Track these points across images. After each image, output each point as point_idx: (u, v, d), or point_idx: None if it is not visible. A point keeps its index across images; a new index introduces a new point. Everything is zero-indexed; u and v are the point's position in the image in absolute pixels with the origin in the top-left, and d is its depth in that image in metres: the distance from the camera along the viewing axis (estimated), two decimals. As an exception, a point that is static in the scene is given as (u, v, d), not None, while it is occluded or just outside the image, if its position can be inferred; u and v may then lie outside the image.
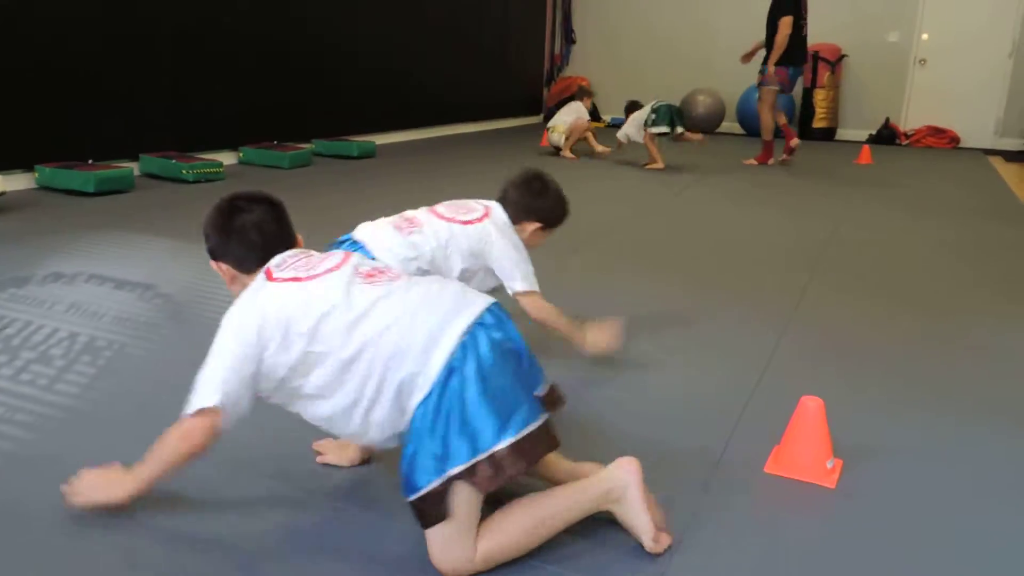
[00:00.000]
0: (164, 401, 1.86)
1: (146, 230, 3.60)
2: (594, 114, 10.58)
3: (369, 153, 6.46)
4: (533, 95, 10.67)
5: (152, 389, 1.94)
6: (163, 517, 1.40)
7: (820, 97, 9.11)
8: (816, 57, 8.97)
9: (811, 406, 1.66)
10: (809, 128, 9.15)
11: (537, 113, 10.80)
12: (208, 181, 4.95)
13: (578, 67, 10.87)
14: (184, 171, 4.86)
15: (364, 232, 1.95)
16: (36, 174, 4.49)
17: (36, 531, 1.36)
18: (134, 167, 4.91)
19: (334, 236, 2.02)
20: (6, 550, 1.31)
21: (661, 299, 2.87)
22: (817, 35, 9.19)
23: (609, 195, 5.09)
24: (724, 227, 4.21)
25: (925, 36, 9.03)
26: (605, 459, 1.41)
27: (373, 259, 1.70)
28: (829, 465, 1.63)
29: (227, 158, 5.73)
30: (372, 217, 2.07)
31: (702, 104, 9.44)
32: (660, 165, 6.38)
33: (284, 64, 6.25)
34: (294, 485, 1.53)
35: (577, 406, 1.81)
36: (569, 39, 10.85)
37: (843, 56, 9.16)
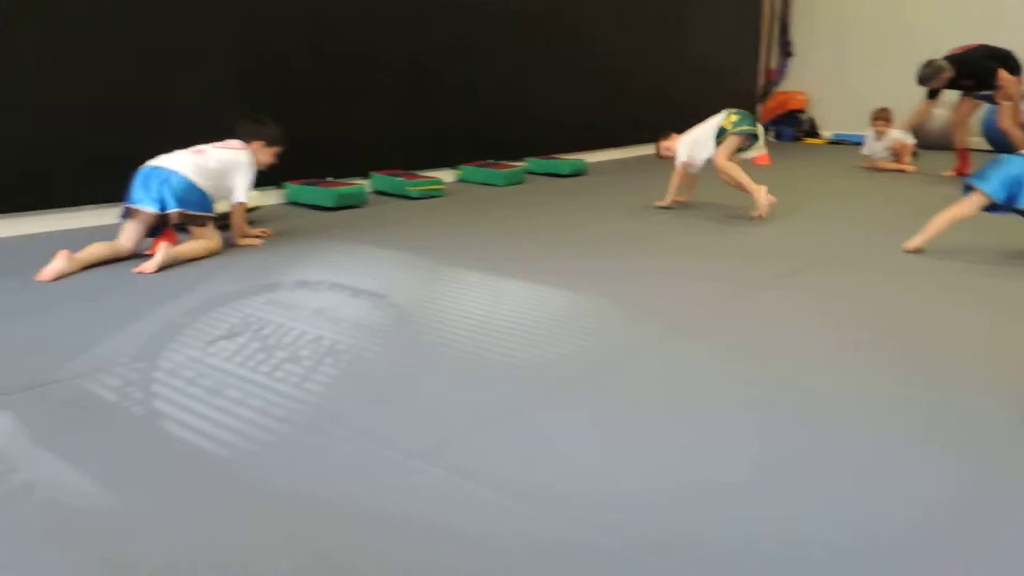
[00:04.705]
0: (395, 404, 1.99)
1: (377, 243, 3.86)
2: (812, 131, 10.08)
3: (580, 171, 6.53)
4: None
5: (385, 391, 2.06)
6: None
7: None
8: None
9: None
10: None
11: (750, 130, 10.43)
12: (431, 197, 5.23)
13: (795, 81, 10.38)
14: (409, 188, 5.17)
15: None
16: (285, 190, 4.98)
17: (313, 518, 1.47)
18: (366, 184, 5.30)
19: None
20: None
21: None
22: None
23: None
24: (966, 249, 3.80)
25: None
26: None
27: None
28: None
29: (447, 176, 6.03)
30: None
31: (939, 118, 8.63)
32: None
33: (501, 84, 6.48)
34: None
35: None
36: (786, 52, 10.39)
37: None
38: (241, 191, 3.68)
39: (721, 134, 4.63)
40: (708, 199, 5.04)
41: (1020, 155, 3.56)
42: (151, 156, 3.48)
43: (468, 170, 6.09)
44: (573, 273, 3.28)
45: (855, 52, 9.77)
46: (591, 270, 3.36)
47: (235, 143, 3.72)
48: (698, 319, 2.72)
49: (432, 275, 3.28)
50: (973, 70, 6.01)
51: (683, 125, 4.78)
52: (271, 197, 4.92)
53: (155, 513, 1.48)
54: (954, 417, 1.94)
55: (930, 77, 6.06)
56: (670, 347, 2.45)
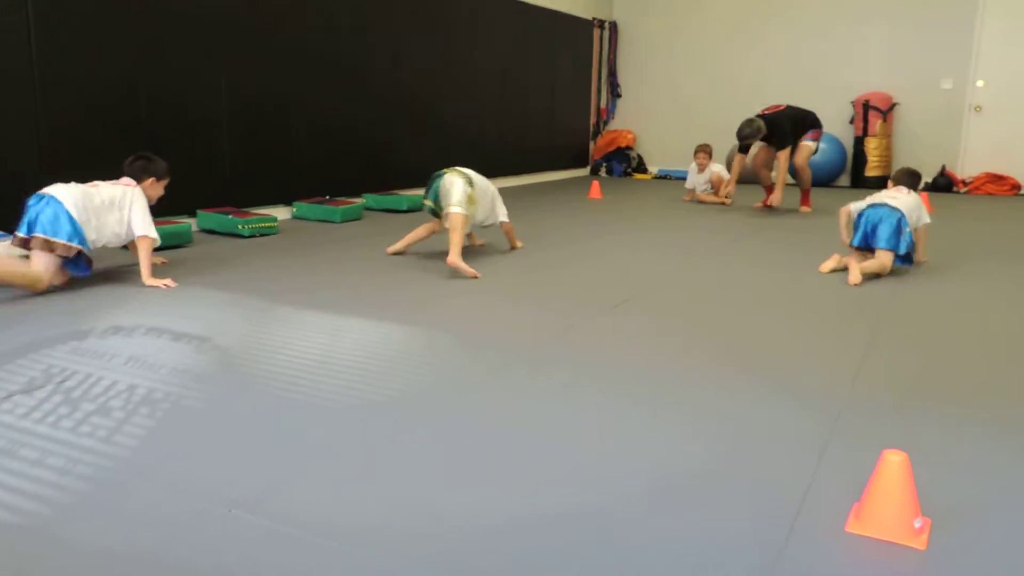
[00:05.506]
0: (219, 452, 1.86)
1: (203, 283, 3.65)
2: (641, 166, 10.64)
3: (419, 207, 6.51)
4: (580, 148, 10.74)
5: (207, 441, 1.93)
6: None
7: (872, 146, 8.99)
8: (867, 106, 8.94)
9: (894, 460, 1.56)
10: (861, 176, 9.03)
11: (584, 166, 10.85)
12: (263, 235, 5.03)
13: (624, 120, 10.95)
14: (240, 226, 4.95)
15: None
16: (99, 230, 4.61)
17: (93, 586, 1.33)
18: (192, 223, 5.02)
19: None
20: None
21: (715, 342, 2.79)
22: (868, 85, 9.17)
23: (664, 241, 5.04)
24: (783, 268, 4.12)
25: (980, 83, 8.88)
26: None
27: None
28: (917, 525, 1.53)
29: (281, 213, 5.84)
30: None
31: (748, 157, 9.38)
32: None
33: (337, 122, 6.39)
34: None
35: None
36: (615, 93, 10.94)
37: (895, 104, 9.05)
38: (140, 224, 3.58)
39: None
40: (543, 233, 5.17)
41: (875, 206, 4.12)
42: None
43: (303, 207, 5.93)
44: (409, 308, 3.25)
45: (673, 95, 10.45)
46: (428, 304, 3.33)
47: (126, 181, 3.67)
48: (535, 349, 2.75)
49: (263, 315, 3.14)
50: (777, 132, 6.60)
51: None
52: (84, 238, 4.55)
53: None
54: (798, 423, 2.07)
55: (751, 136, 6.61)
56: (506, 379, 2.46)
